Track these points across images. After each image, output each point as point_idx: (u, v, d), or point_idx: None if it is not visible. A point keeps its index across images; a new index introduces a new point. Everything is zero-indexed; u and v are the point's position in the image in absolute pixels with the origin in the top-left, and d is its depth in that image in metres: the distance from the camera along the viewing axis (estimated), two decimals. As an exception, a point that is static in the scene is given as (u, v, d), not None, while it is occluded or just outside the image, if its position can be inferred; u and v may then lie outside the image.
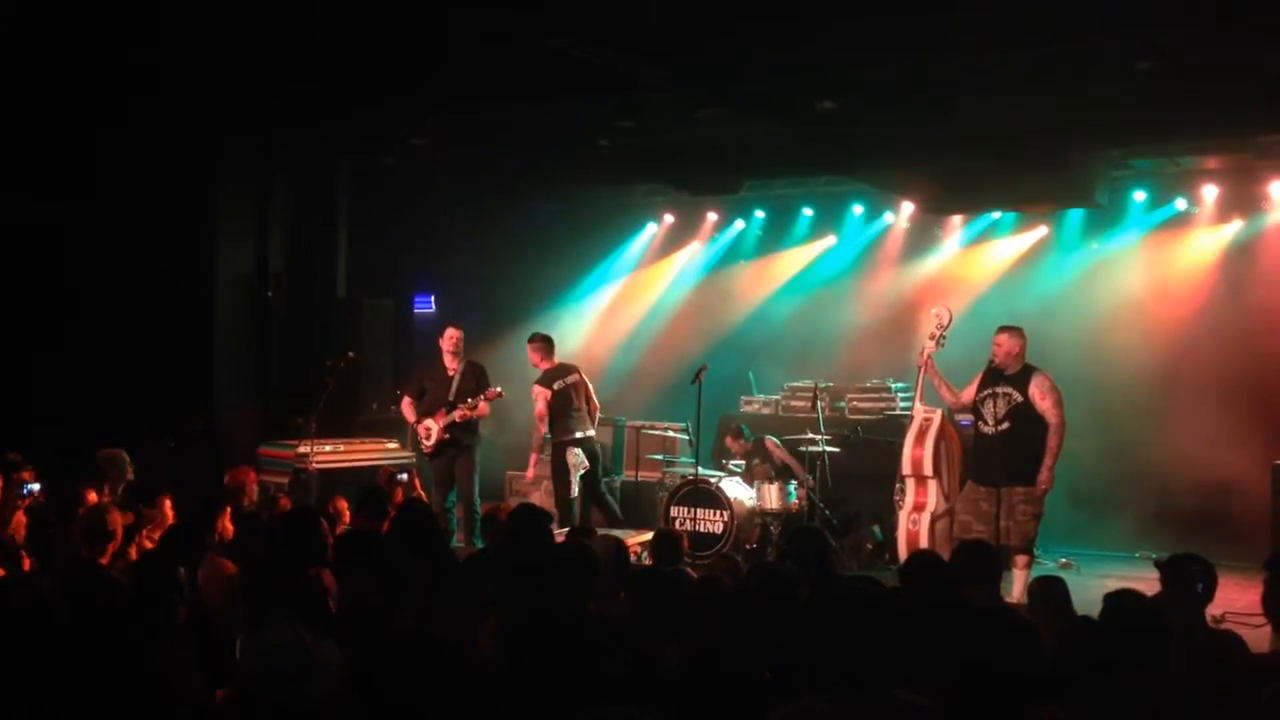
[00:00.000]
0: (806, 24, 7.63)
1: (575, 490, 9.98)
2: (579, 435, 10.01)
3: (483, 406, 9.61)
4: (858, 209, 12.96)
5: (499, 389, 9.75)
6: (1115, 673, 3.83)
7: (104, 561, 5.36)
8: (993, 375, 8.16)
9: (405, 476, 9.81)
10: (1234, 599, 6.97)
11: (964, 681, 4.03)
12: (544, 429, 9.92)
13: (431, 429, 9.60)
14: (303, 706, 3.88)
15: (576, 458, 9.95)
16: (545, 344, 10.10)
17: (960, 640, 4.38)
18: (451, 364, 9.76)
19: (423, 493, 9.41)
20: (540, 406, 9.82)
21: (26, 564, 5.73)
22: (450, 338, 9.78)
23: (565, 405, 9.89)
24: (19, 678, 3.77)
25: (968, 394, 8.40)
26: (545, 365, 9.97)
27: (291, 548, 5.24)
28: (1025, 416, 8.02)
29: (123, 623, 4.14)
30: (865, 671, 3.36)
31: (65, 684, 3.75)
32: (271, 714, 3.94)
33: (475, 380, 9.71)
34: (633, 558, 9.25)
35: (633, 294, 14.35)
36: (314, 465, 9.52)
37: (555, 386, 9.87)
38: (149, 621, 4.23)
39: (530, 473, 10.48)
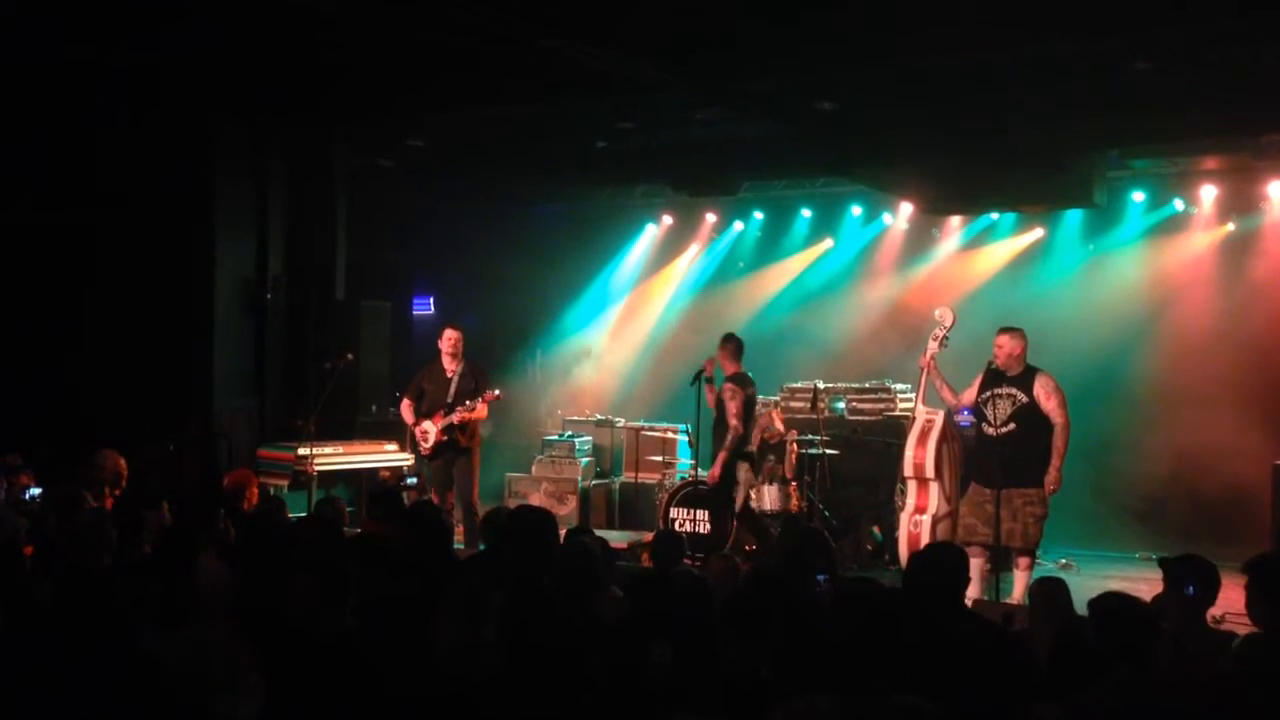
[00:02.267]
0: (805, 25, 7.64)
1: (737, 505, 9.48)
2: (752, 450, 9.61)
3: (481, 408, 9.55)
4: (856, 210, 12.98)
5: (497, 391, 9.71)
6: (1107, 673, 3.83)
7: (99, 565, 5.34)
8: (994, 377, 8.13)
9: (415, 480, 9.81)
10: (1234, 599, 6.94)
11: (957, 682, 4.03)
12: (741, 427, 9.30)
13: (429, 431, 9.54)
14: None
15: (747, 474, 9.49)
16: (739, 347, 9.58)
17: (953, 641, 4.38)
18: (450, 365, 9.71)
19: (435, 496, 9.42)
20: (738, 404, 9.27)
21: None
22: (449, 339, 9.72)
23: (748, 415, 9.45)
24: (15, 683, 3.76)
25: (968, 395, 8.38)
26: (734, 369, 9.48)
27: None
28: (1030, 418, 7.98)
29: (114, 627, 4.12)
30: (865, 673, 3.36)
31: (58, 688, 3.74)
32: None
33: (474, 381, 9.66)
34: (631, 559, 9.36)
35: (634, 299, 14.39)
36: (313, 468, 9.51)
37: (747, 391, 9.44)
38: (135, 624, 4.22)
39: (716, 471, 9.39)
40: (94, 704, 3.70)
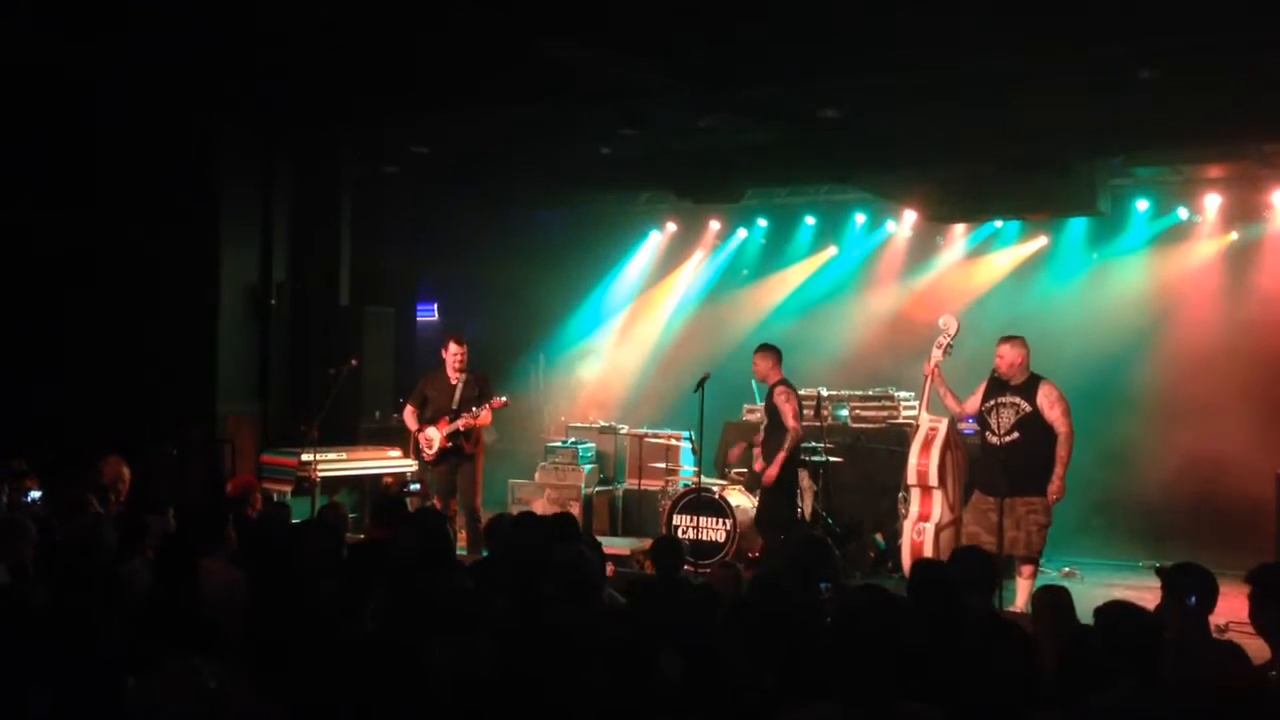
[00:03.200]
0: (809, 31, 7.65)
1: (803, 513, 9.28)
2: (808, 458, 9.51)
3: (486, 415, 9.56)
4: (860, 218, 12.99)
5: (504, 398, 9.72)
6: (1112, 682, 3.83)
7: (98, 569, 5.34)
8: (997, 385, 8.14)
9: (418, 487, 9.82)
10: (1238, 608, 6.94)
11: (962, 689, 4.03)
12: (800, 429, 9.09)
13: (433, 437, 9.53)
14: None
15: (809, 481, 9.38)
16: (780, 355, 9.43)
17: (960, 648, 4.38)
18: (454, 374, 9.73)
19: (438, 502, 9.43)
20: (794, 406, 9.12)
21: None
22: (455, 355, 9.65)
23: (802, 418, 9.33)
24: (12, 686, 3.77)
25: (971, 404, 8.38)
26: (778, 376, 9.30)
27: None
28: (1034, 426, 7.98)
29: (110, 631, 4.13)
30: (869, 680, 3.36)
31: (61, 693, 3.74)
32: None
33: (478, 389, 9.66)
34: (634, 565, 9.36)
35: (638, 306, 14.40)
36: (316, 473, 9.51)
37: (799, 393, 9.34)
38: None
39: (775, 470, 8.98)
40: (88, 706, 3.71)
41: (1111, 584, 9.22)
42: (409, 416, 9.78)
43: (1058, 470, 7.90)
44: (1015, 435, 8.03)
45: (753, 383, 11.80)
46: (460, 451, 9.54)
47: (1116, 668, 3.86)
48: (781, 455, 8.99)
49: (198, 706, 3.31)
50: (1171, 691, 3.88)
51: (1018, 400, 8.05)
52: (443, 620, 4.39)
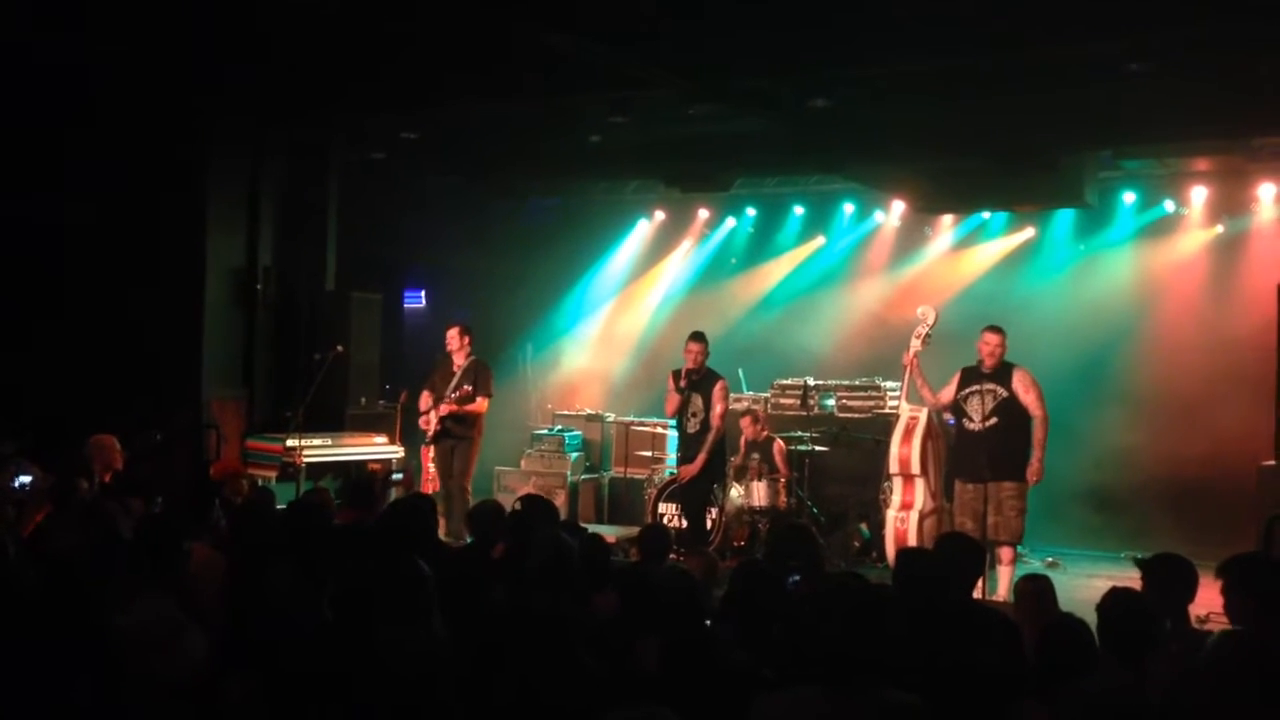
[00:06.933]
0: (800, 20, 7.65)
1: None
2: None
3: (479, 402, 9.91)
4: (849, 208, 12.99)
5: (485, 402, 9.98)
6: (1094, 670, 3.85)
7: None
8: (972, 373, 8.30)
9: (401, 476, 9.93)
10: (1218, 599, 6.99)
11: (945, 677, 4.04)
12: (723, 428, 9.15)
13: (430, 419, 10.01)
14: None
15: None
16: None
17: (942, 636, 4.39)
18: (458, 360, 10.11)
19: (438, 480, 9.88)
20: (725, 406, 9.14)
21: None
22: (450, 340, 10.15)
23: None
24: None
25: (946, 394, 8.47)
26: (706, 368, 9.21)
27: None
28: (1011, 411, 8.15)
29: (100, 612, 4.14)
30: (850, 667, 3.37)
31: (53, 677, 3.75)
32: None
33: (475, 376, 9.98)
34: (620, 554, 9.36)
35: (625, 295, 14.39)
36: (301, 459, 9.51)
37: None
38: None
39: (695, 468, 9.07)
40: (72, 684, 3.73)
41: (1094, 574, 9.27)
42: (423, 400, 10.18)
43: (1037, 453, 8.05)
44: (995, 420, 8.16)
45: (740, 371, 11.85)
46: (452, 434, 9.96)
47: (1105, 656, 3.88)
48: (703, 456, 9.03)
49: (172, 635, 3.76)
50: (1153, 680, 3.90)
51: (994, 386, 8.19)
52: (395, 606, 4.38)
